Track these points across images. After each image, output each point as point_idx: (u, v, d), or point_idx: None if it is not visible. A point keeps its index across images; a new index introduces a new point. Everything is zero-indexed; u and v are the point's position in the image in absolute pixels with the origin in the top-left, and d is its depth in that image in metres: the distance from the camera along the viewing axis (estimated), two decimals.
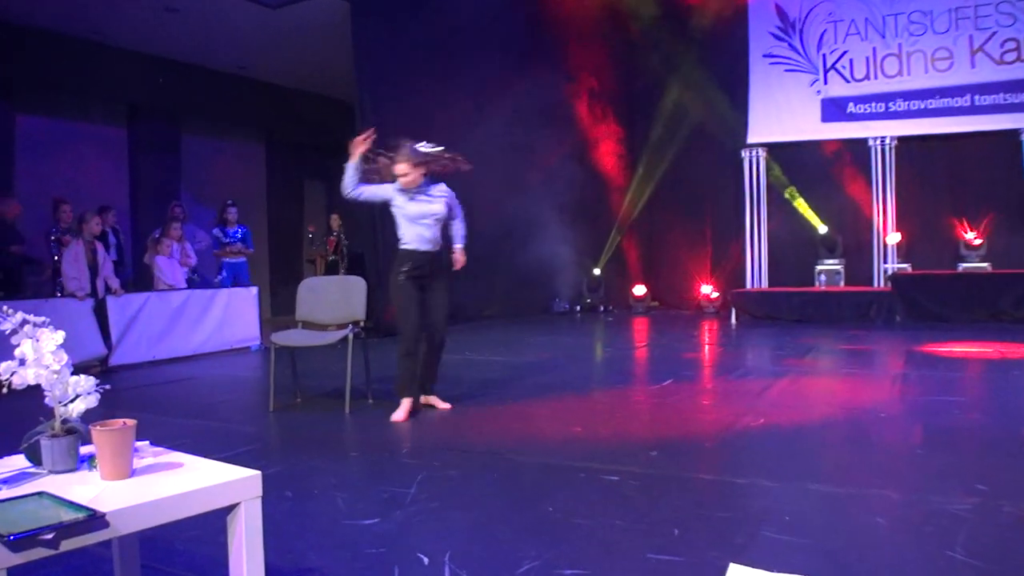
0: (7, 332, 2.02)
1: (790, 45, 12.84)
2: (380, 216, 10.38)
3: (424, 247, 5.37)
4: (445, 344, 5.55)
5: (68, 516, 1.66)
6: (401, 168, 5.32)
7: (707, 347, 9.19)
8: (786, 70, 12.81)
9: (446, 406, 5.57)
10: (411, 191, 5.36)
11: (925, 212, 12.06)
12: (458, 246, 5.62)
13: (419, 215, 5.39)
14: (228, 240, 10.44)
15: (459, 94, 11.15)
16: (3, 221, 8.68)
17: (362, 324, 5.85)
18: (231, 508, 1.96)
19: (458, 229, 5.67)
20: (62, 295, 8.11)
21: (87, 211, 8.61)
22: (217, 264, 10.49)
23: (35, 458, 2.05)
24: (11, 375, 2.00)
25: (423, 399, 5.56)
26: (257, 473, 1.99)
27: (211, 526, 2.58)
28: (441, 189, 5.52)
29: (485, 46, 11.54)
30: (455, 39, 11.22)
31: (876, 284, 12.03)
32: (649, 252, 14.15)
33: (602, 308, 13.75)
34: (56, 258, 8.53)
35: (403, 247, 5.39)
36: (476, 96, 11.38)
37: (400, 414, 5.24)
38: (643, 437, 4.39)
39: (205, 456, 2.16)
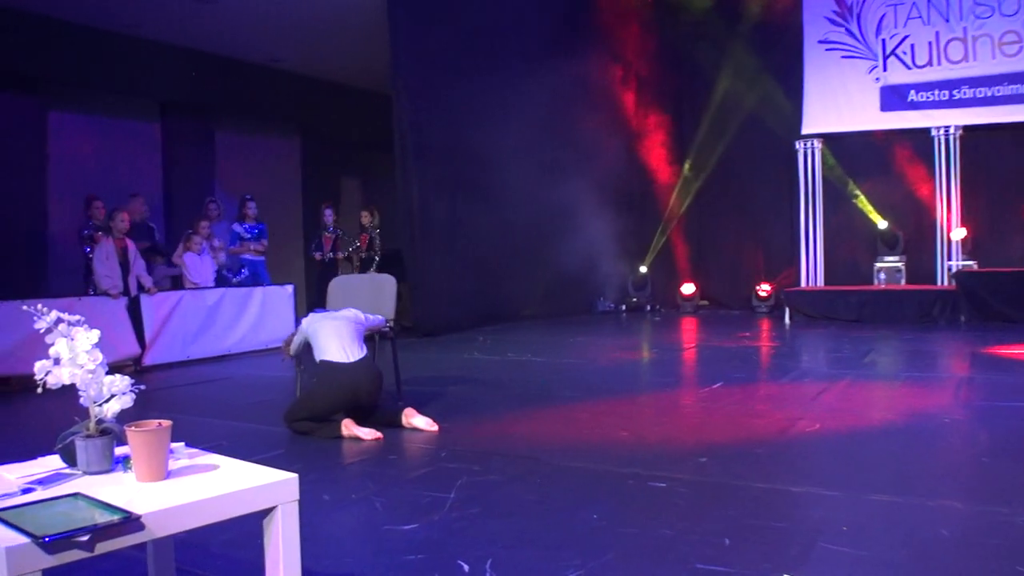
0: (42, 331, 2.00)
1: (847, 30, 12.52)
2: (418, 213, 10.39)
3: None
4: None
5: (103, 518, 1.66)
6: None
7: (759, 348, 9.00)
8: (843, 56, 12.49)
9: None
10: None
11: (992, 206, 11.69)
12: None
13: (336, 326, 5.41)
14: (248, 236, 10.32)
15: (499, 84, 11.05)
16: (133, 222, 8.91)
17: (391, 323, 5.77)
18: (267, 511, 1.95)
19: None
20: (95, 293, 8.16)
21: (116, 208, 8.62)
22: (236, 261, 10.31)
23: (70, 459, 2.05)
24: (46, 374, 2.00)
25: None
26: (294, 476, 1.98)
27: (247, 529, 2.55)
28: None
29: (527, 35, 11.38)
30: (495, 28, 11.06)
31: (939, 282, 11.70)
32: (698, 249, 13.90)
33: (648, 307, 13.57)
34: (89, 256, 8.54)
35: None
36: (517, 86, 11.27)
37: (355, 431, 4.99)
38: (692, 442, 4.29)
39: (241, 458, 2.13)
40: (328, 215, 11.16)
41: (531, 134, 11.13)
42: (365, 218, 11.42)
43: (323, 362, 4.97)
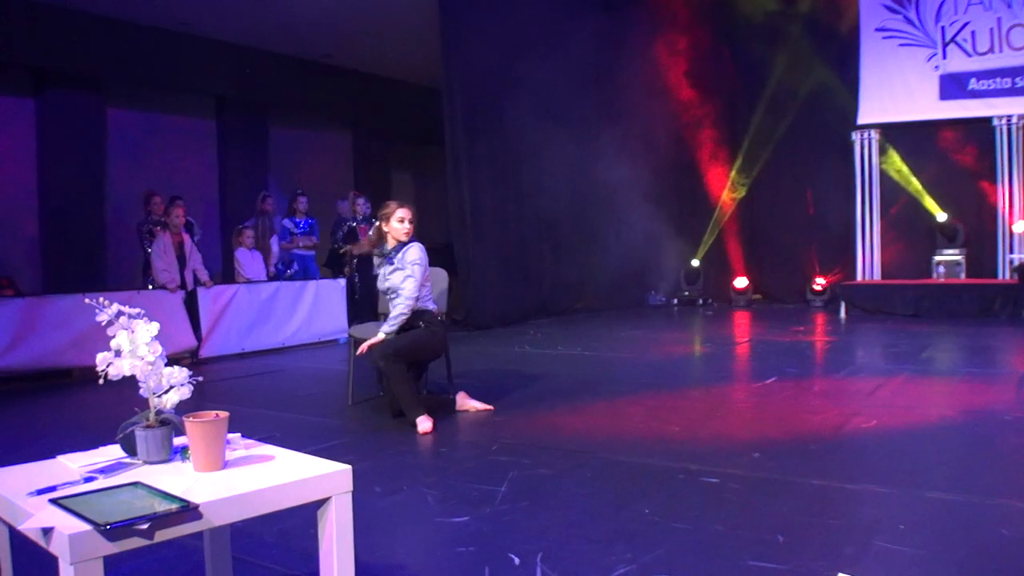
0: (103, 323, 2.05)
1: (905, 17, 12.23)
2: (469, 207, 10.37)
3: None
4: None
5: (162, 507, 1.69)
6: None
7: (814, 343, 8.86)
8: (900, 44, 12.21)
9: (481, 405, 5.40)
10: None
11: None
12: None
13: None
14: (299, 231, 10.30)
15: (551, 78, 11.00)
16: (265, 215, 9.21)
17: (443, 316, 5.78)
18: (321, 502, 1.97)
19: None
20: (153, 287, 8.32)
21: (173, 202, 8.74)
22: (287, 256, 10.29)
23: (130, 448, 2.09)
24: (107, 366, 2.04)
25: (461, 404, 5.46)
26: (348, 467, 2.00)
27: (301, 519, 2.58)
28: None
29: (580, 26, 11.31)
30: (548, 19, 10.99)
31: (1001, 276, 11.40)
32: (751, 242, 13.70)
33: (701, 301, 13.43)
34: (148, 250, 8.69)
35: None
36: (569, 79, 11.21)
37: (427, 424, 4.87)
38: (745, 438, 4.24)
39: (294, 449, 2.16)
40: (364, 205, 10.61)
41: (582, 128, 11.08)
42: (361, 207, 10.65)
43: (429, 312, 5.14)
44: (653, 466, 3.89)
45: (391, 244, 5.15)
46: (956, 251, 11.59)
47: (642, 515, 3.19)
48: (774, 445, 4.24)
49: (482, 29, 10.35)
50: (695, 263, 13.52)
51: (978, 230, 11.78)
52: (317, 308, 9.54)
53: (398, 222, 5.09)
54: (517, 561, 2.75)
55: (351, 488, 1.99)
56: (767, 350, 8.23)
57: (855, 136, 12.42)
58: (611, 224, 11.73)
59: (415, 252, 5.07)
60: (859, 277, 12.21)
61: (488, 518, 3.20)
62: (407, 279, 5.01)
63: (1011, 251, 11.42)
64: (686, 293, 13.47)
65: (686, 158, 13.45)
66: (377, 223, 5.21)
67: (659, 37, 12.81)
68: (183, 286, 8.35)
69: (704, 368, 7.53)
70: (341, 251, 10.38)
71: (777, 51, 12.88)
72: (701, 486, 3.56)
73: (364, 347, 5.00)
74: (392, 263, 5.10)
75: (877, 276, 12.21)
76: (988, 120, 11.63)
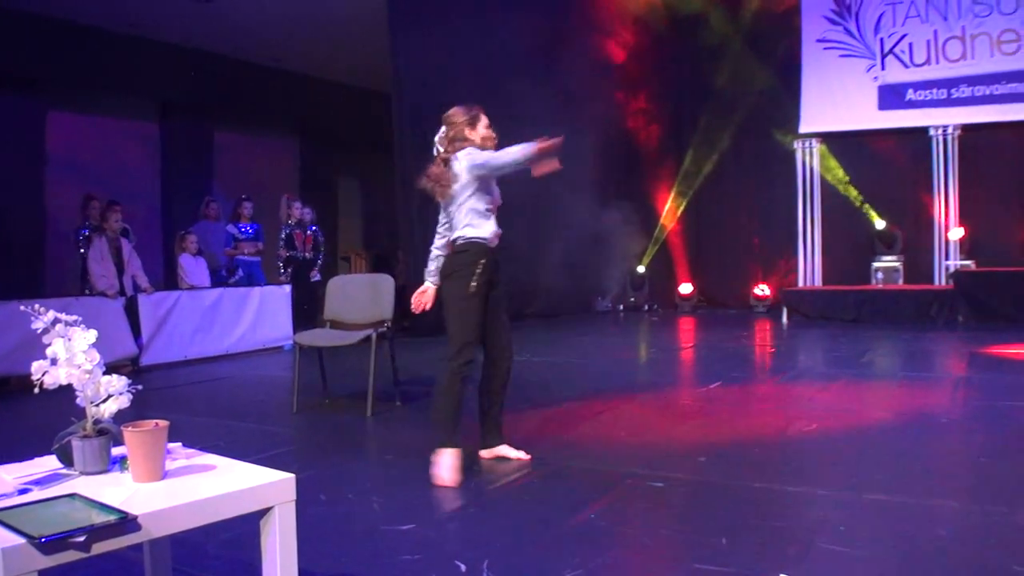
0: (39, 331, 2.00)
1: (845, 29, 12.52)
2: (417, 213, 10.28)
3: (496, 243, 4.18)
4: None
5: (100, 518, 1.66)
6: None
7: (757, 348, 9.00)
8: (841, 55, 12.50)
9: (523, 456, 4.19)
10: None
11: (990, 206, 11.67)
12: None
13: (497, 200, 4.26)
14: (243, 237, 10.09)
15: (497, 82, 10.99)
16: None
17: (389, 324, 5.75)
18: (264, 512, 1.95)
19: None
20: (91, 294, 8.14)
21: (109, 206, 8.56)
22: (231, 263, 10.08)
23: (67, 459, 2.05)
24: (43, 374, 2.00)
25: (490, 452, 4.25)
26: (291, 476, 1.98)
27: (245, 529, 2.55)
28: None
29: (525, 31, 11.26)
30: (494, 22, 10.94)
31: (937, 282, 11.70)
32: (696, 249, 13.90)
33: (646, 307, 13.58)
34: (84, 256, 8.46)
35: (478, 240, 4.09)
36: (515, 83, 11.21)
37: (449, 473, 3.80)
38: (690, 442, 4.28)
39: (237, 458, 2.14)
40: (305, 211, 10.42)
41: (528, 134, 11.08)
42: (297, 212, 10.34)
43: (471, 244, 4.10)
44: (601, 471, 3.92)
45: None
46: (894, 258, 11.89)
47: (589, 521, 3.20)
48: (718, 449, 4.30)
49: (430, 33, 10.31)
50: (641, 270, 13.66)
51: (915, 237, 12.08)
52: (262, 315, 9.42)
53: (485, 127, 4.20)
54: (464, 568, 2.74)
55: (294, 497, 1.97)
56: (712, 355, 8.34)
57: (797, 144, 12.67)
58: (558, 230, 11.75)
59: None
60: (801, 283, 12.44)
61: (435, 526, 3.19)
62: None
63: (947, 258, 11.74)
64: (632, 299, 13.60)
65: (631, 165, 13.58)
66: (441, 151, 4.14)
67: (604, 43, 12.88)
68: (122, 292, 8.19)
69: (650, 373, 7.59)
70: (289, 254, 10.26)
71: (723, 61, 13.09)
72: (648, 491, 3.59)
73: None
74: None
75: (819, 282, 12.46)
76: (925, 130, 11.95)
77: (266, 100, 13.24)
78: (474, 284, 3.99)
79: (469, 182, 4.03)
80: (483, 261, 4.04)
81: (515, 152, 4.03)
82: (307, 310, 9.67)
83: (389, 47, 10.21)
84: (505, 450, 4.22)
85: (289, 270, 10.20)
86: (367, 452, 4.57)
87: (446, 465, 3.79)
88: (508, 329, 4.32)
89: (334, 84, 13.93)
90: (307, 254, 10.34)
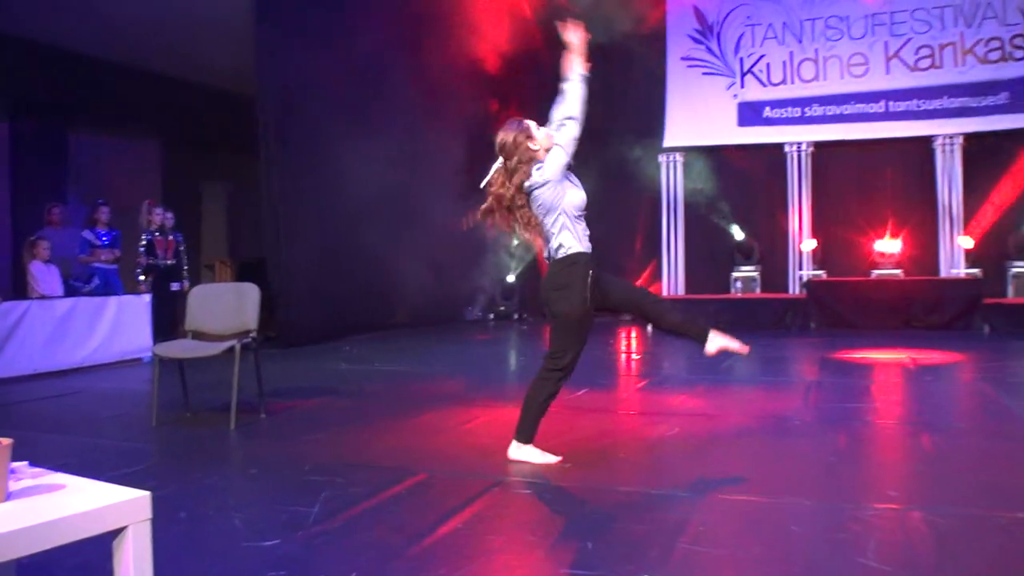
0: None
1: (708, 48, 13.01)
2: (283, 220, 10.05)
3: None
4: None
5: None
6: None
7: (624, 355, 9.22)
8: (704, 73, 12.98)
9: (553, 459, 4.21)
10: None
11: (840, 219, 12.35)
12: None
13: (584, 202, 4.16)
14: (100, 244, 9.60)
15: (363, 87, 10.89)
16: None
17: (253, 334, 5.59)
18: (118, 532, 1.85)
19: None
20: None
21: None
22: (87, 270, 9.56)
23: None
24: None
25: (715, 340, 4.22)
26: (146, 494, 1.88)
27: (97, 553, 2.42)
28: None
29: (390, 42, 11.15)
30: (354, 31, 10.72)
31: (792, 291, 12.27)
32: None
33: (516, 316, 13.71)
34: None
35: (583, 252, 4.07)
36: (382, 89, 11.11)
37: (542, 457, 4.18)
38: (557, 448, 4.33)
39: (91, 476, 2.02)
40: (167, 217, 10.00)
41: (398, 145, 10.99)
42: (158, 217, 9.92)
43: (573, 258, 4.05)
44: (468, 480, 3.91)
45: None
46: (752, 268, 12.41)
47: (457, 531, 3.19)
48: (584, 455, 4.36)
49: (296, 35, 10.08)
50: (510, 279, 13.77)
51: (772, 248, 12.65)
52: (119, 325, 8.96)
53: (537, 129, 4.15)
54: None
55: (150, 516, 1.88)
56: (579, 362, 8.45)
57: (661, 158, 13.06)
58: (427, 239, 11.71)
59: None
60: (665, 292, 12.82)
61: (300, 541, 3.11)
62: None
63: (800, 267, 12.34)
64: (502, 308, 13.70)
65: None
66: (504, 161, 4.15)
67: (474, 49, 12.89)
68: None
69: (518, 381, 7.62)
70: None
71: (591, 75, 13.29)
72: (515, 498, 3.61)
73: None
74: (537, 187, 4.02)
75: (681, 291, 12.87)
76: (780, 146, 12.54)
77: (126, 101, 12.57)
78: (587, 296, 4.02)
79: (557, 194, 4.00)
80: (591, 272, 4.04)
81: (571, 105, 4.14)
82: (168, 320, 9.29)
83: (255, 49, 9.95)
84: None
85: (149, 278, 9.77)
86: (230, 467, 4.42)
87: (536, 458, 4.15)
88: (628, 287, 4.54)
89: (199, 86, 13.39)
90: (168, 262, 9.94)
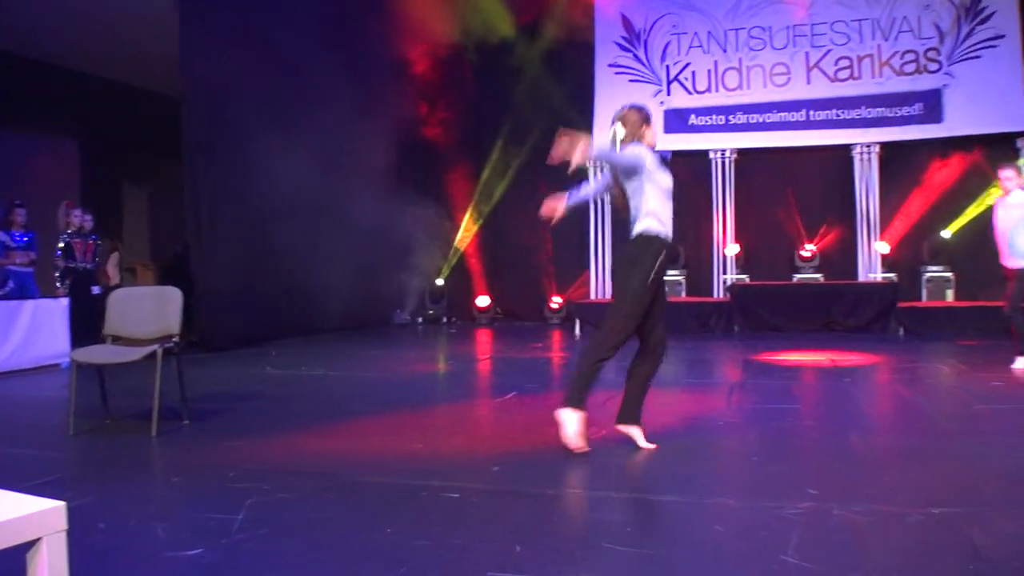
0: None
1: (635, 55, 13.19)
2: (207, 222, 9.84)
3: (671, 233, 4.39)
4: None
5: None
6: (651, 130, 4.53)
7: (551, 359, 9.27)
8: (630, 80, 13.16)
9: (651, 447, 4.47)
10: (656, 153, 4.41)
11: (762, 224, 12.65)
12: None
13: (670, 189, 4.42)
14: (15, 246, 9.30)
15: (288, 86, 10.74)
16: None
17: (176, 339, 5.48)
18: (31, 544, 1.78)
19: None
20: None
21: None
22: (1, 273, 9.29)
23: None
24: None
25: (626, 427, 4.55)
26: (61, 504, 1.82)
27: (8, 567, 2.34)
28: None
29: (317, 43, 11.03)
30: (285, 35, 10.56)
31: (716, 295, 12.50)
32: (493, 262, 14.18)
33: (445, 319, 13.71)
34: None
35: (656, 233, 4.32)
36: (309, 89, 10.99)
37: (576, 438, 4.31)
38: (485, 452, 4.34)
39: (3, 487, 1.95)
40: (86, 219, 9.83)
41: (325, 145, 10.88)
42: (76, 219, 9.81)
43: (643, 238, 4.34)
44: (396, 485, 3.89)
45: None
46: (677, 272, 12.60)
47: (385, 536, 3.17)
48: (512, 458, 4.38)
49: (223, 34, 9.88)
50: (439, 282, 13.75)
51: (696, 253, 12.88)
52: (35, 330, 8.66)
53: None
54: None
55: (65, 527, 1.81)
56: (507, 367, 8.51)
57: (588, 164, 13.12)
58: (354, 241, 11.61)
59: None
60: (592, 296, 12.93)
61: (224, 549, 3.05)
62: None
63: (724, 272, 12.58)
64: (431, 311, 13.68)
65: (431, 180, 13.66)
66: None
67: (403, 52, 12.87)
68: None
69: (447, 385, 7.65)
70: None
71: (521, 82, 13.42)
72: (443, 502, 3.61)
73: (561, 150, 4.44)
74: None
75: (608, 295, 12.97)
76: (705, 153, 12.77)
77: (44, 99, 12.16)
78: (653, 276, 4.23)
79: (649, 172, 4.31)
80: (662, 257, 4.27)
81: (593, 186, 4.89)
82: (87, 325, 9.01)
83: (179, 48, 9.74)
84: (637, 434, 4.49)
85: (67, 282, 9.48)
86: (151, 475, 4.32)
87: (573, 428, 4.25)
88: (665, 320, 4.57)
89: (121, 86, 13.05)
90: (87, 265, 9.67)
